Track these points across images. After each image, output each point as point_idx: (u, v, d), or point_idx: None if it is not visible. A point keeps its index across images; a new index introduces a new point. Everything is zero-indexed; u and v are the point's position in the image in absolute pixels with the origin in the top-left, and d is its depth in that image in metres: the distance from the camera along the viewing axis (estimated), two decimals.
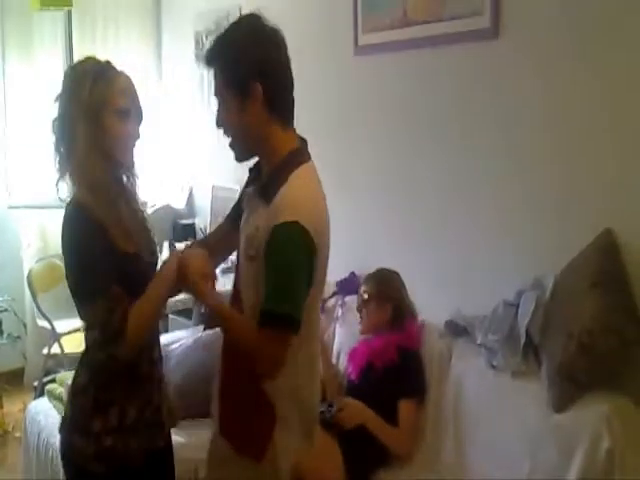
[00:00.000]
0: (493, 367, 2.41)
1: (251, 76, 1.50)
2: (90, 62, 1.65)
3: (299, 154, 1.60)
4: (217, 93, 1.58)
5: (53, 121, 1.66)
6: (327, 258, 1.61)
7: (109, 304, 1.54)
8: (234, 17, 1.69)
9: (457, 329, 2.63)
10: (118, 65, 1.66)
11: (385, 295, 2.69)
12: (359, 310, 2.74)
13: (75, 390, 1.70)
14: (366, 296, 2.71)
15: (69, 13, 4.14)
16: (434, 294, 2.84)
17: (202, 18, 4.21)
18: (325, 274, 1.62)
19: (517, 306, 2.42)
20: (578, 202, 2.42)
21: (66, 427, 1.71)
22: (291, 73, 1.58)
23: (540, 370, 2.30)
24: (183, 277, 1.58)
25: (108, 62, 1.66)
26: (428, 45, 2.89)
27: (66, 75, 1.67)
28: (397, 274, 2.74)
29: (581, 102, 2.38)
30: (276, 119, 1.56)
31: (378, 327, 2.68)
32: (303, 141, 1.65)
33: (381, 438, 2.49)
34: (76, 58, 4.09)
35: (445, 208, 2.91)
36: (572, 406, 2.14)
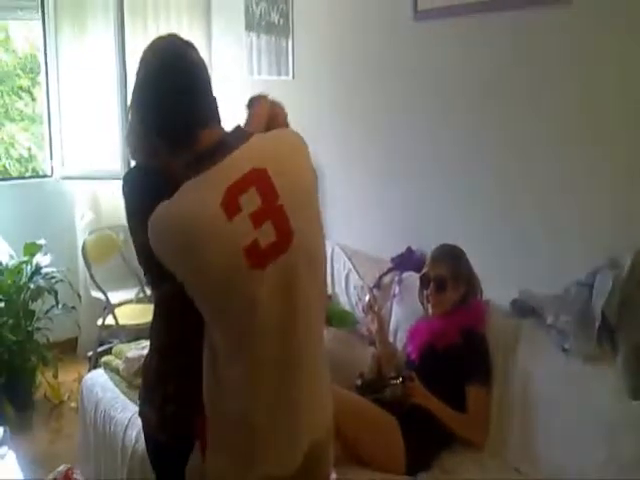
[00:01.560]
0: (564, 350, 2.30)
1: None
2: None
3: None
4: None
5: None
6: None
7: None
8: None
9: (524, 309, 2.51)
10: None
11: (459, 275, 2.57)
12: (431, 294, 2.59)
13: (144, 362, 1.74)
14: (440, 278, 2.56)
15: None
16: (499, 272, 2.70)
17: None
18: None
19: (591, 286, 2.29)
20: None
21: (140, 399, 1.75)
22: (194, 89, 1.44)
23: (616, 355, 2.19)
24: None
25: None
26: (495, 9, 2.72)
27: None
28: (463, 251, 2.62)
29: None
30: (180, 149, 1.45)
31: (449, 308, 2.57)
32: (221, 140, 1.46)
33: (451, 426, 2.40)
34: (128, 31, 4.07)
35: (509, 179, 2.76)
36: None
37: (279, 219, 1.40)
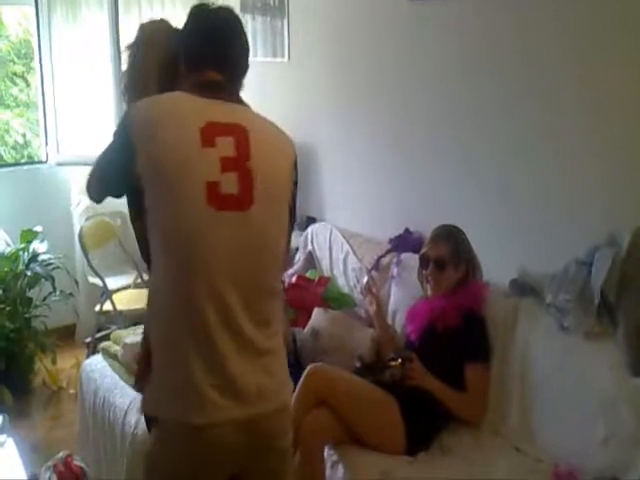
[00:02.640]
0: (564, 328, 2.29)
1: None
2: (164, 23, 1.77)
3: None
4: None
5: (124, 72, 1.72)
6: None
7: None
8: None
9: (523, 289, 2.49)
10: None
11: (460, 255, 2.54)
12: (431, 274, 2.57)
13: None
14: (440, 258, 2.54)
15: None
16: (497, 252, 2.68)
17: None
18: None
19: (590, 264, 2.27)
20: None
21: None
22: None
23: (615, 331, 2.18)
24: None
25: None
26: None
27: (141, 29, 1.75)
28: (462, 231, 2.59)
29: None
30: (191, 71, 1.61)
31: (449, 289, 2.55)
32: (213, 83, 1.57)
33: (449, 405, 2.39)
34: (121, 16, 4.02)
35: (507, 159, 2.73)
36: None
37: (245, 178, 1.45)
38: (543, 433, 2.31)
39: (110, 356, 2.88)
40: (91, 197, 1.67)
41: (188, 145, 1.42)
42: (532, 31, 2.57)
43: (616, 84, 2.34)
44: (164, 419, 1.48)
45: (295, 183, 1.61)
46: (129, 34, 3.85)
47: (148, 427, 1.59)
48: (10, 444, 2.40)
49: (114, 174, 1.53)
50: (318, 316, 2.92)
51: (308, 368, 2.36)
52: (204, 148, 1.42)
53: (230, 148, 1.44)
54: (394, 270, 3.02)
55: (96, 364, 2.93)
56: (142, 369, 1.57)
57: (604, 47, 2.36)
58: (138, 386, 1.62)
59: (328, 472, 2.27)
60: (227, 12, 1.61)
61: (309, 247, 3.53)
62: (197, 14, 1.62)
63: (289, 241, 1.65)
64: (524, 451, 2.31)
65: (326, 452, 2.28)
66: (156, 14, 4.30)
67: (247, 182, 1.45)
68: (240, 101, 1.58)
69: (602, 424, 2.10)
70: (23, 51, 4.85)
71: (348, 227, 3.46)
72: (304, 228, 3.62)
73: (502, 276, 2.56)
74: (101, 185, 1.61)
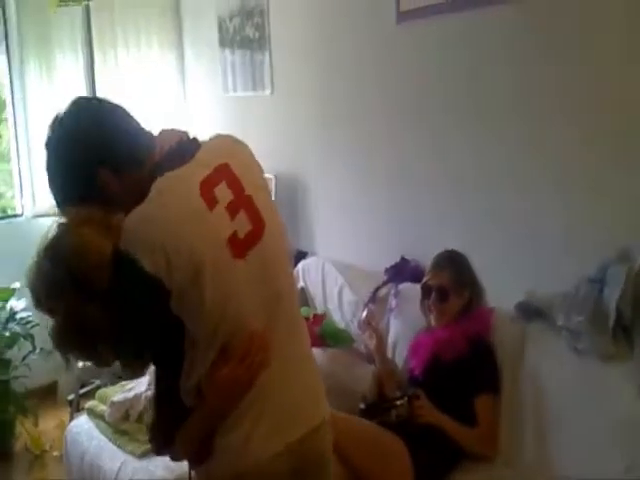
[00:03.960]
0: (577, 351, 2.18)
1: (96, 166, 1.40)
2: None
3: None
4: None
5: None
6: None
7: None
8: None
9: (531, 312, 2.37)
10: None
11: (462, 282, 2.43)
12: (434, 304, 2.45)
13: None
14: (443, 287, 2.42)
15: (87, 10, 3.94)
16: (501, 275, 2.56)
17: (225, 1, 4.00)
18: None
19: (601, 282, 2.17)
20: None
21: None
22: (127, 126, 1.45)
23: (633, 351, 2.07)
24: None
25: None
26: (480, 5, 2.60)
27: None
28: (464, 256, 2.48)
29: None
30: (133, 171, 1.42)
31: (453, 317, 2.43)
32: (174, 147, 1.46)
33: (461, 441, 2.26)
34: (98, 62, 3.93)
35: (505, 177, 2.62)
36: None
37: (250, 208, 1.44)
38: (561, 463, 2.18)
39: (96, 416, 2.70)
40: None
41: (198, 224, 1.36)
42: (521, 53, 2.50)
43: (621, 101, 2.25)
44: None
45: None
46: (107, 78, 3.83)
47: None
48: None
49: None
50: (316, 356, 2.75)
51: None
52: (212, 211, 1.38)
53: (227, 192, 1.42)
54: (392, 302, 2.88)
55: (82, 426, 2.75)
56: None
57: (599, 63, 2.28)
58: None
59: None
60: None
61: (301, 283, 3.38)
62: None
63: None
64: None
65: None
66: (132, 57, 4.27)
67: (254, 212, 1.45)
68: (196, 143, 1.49)
69: (624, 452, 1.98)
70: None
71: (341, 259, 3.32)
72: (295, 264, 3.48)
73: (507, 300, 2.44)
74: None
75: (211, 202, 1.38)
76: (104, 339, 1.34)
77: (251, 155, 1.56)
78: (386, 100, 3.11)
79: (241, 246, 1.40)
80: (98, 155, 1.39)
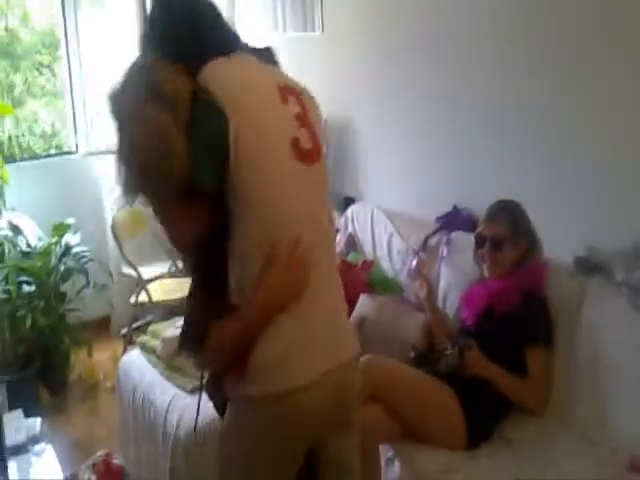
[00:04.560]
0: (638, 307, 2.10)
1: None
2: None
3: None
4: None
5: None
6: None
7: None
8: None
9: (589, 267, 2.30)
10: None
11: (518, 233, 2.36)
12: (488, 253, 2.39)
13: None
14: (497, 237, 2.36)
15: None
16: (559, 227, 2.48)
17: None
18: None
19: None
20: None
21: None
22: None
23: None
24: None
25: None
26: None
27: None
28: (521, 206, 2.40)
29: None
30: None
31: (507, 269, 2.36)
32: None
33: (511, 394, 2.23)
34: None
35: (569, 123, 2.49)
36: None
37: (312, 132, 1.49)
38: (617, 421, 2.14)
39: (148, 351, 2.75)
40: None
41: (271, 106, 1.44)
42: None
43: None
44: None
45: None
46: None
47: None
48: (50, 453, 2.28)
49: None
50: (364, 303, 2.76)
51: (362, 360, 2.20)
52: (283, 105, 1.45)
53: (297, 105, 1.48)
54: (443, 250, 2.83)
55: (134, 360, 2.81)
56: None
57: None
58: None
59: (384, 469, 2.15)
60: None
61: (349, 229, 3.35)
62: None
63: None
64: (596, 441, 2.14)
65: (381, 448, 2.15)
66: None
67: (315, 137, 1.50)
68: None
69: None
70: (49, 41, 4.76)
71: (391, 207, 3.26)
72: (343, 209, 3.44)
73: (565, 254, 2.37)
74: None
75: (283, 99, 1.45)
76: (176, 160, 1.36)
77: (318, 110, 1.60)
78: (445, 37, 2.97)
79: (300, 155, 1.45)
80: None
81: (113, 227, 3.63)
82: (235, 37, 1.52)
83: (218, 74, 1.41)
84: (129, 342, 3.59)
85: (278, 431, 1.45)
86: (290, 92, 1.48)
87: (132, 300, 3.67)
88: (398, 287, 2.97)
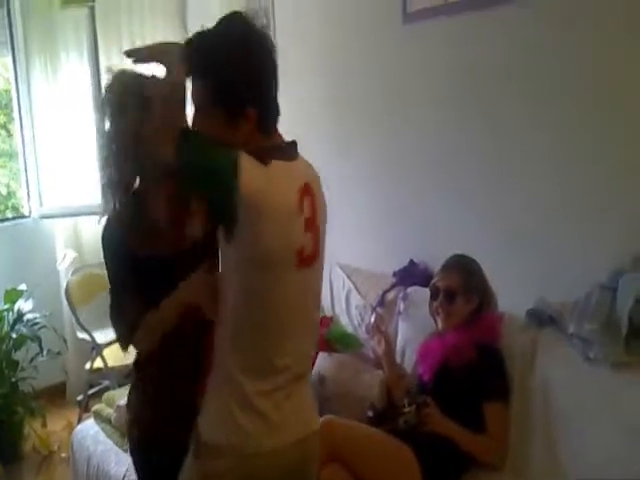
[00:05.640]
0: (589, 359, 2.13)
1: (247, 102, 1.42)
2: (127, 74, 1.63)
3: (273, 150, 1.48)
4: (199, 103, 1.47)
5: (107, 137, 1.61)
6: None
7: None
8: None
9: (542, 319, 2.34)
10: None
11: (472, 286, 2.40)
12: (441, 305, 2.43)
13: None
14: (450, 288, 2.40)
15: (92, 11, 3.91)
16: (512, 281, 2.53)
17: (230, 1, 3.94)
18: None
19: (614, 290, 2.13)
20: None
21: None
22: (277, 76, 1.50)
23: None
24: None
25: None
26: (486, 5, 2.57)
27: (110, 90, 1.64)
28: (476, 261, 2.45)
29: None
30: (262, 133, 1.48)
31: (461, 322, 2.39)
32: (289, 143, 1.55)
33: (470, 449, 2.23)
34: (102, 59, 3.91)
35: (519, 180, 2.58)
36: None
37: (315, 236, 1.52)
38: (570, 473, 2.13)
39: (103, 420, 2.68)
40: None
41: (291, 217, 1.45)
42: (530, 53, 2.46)
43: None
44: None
45: None
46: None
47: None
48: None
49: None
50: (323, 361, 2.74)
51: (321, 420, 2.18)
52: (299, 216, 1.46)
53: (309, 209, 1.49)
54: (400, 305, 2.85)
55: (88, 429, 2.73)
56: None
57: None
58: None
59: None
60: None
61: None
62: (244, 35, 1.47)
63: None
64: None
65: None
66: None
67: (317, 240, 1.52)
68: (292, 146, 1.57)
69: (636, 462, 1.93)
70: (4, 102, 4.75)
71: (349, 262, 3.29)
72: None
73: (518, 306, 2.41)
74: None
75: (300, 209, 1.45)
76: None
77: (321, 186, 1.61)
78: (396, 96, 3.07)
79: (302, 259, 1.47)
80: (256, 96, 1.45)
81: (67, 292, 3.57)
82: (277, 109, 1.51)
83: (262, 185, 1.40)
84: (85, 409, 3.50)
85: None
86: (307, 192, 1.49)
87: (87, 366, 3.58)
88: (358, 342, 2.96)
